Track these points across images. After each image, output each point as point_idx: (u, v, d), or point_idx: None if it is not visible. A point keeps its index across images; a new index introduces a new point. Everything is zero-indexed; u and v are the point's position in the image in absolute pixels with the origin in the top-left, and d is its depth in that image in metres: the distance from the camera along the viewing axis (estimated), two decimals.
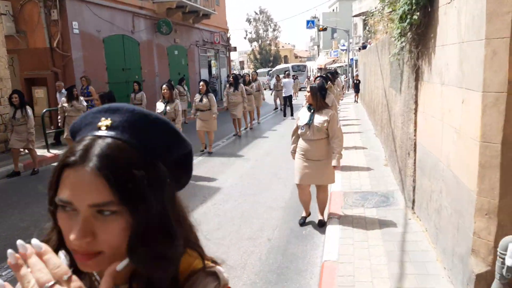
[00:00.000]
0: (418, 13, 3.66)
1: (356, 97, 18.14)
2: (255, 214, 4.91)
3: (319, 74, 11.80)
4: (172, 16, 15.21)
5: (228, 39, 23.70)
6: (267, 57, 52.01)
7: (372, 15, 6.38)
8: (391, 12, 5.49)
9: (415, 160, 4.31)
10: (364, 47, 20.62)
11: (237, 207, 5.17)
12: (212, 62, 20.98)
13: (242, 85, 9.71)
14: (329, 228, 4.16)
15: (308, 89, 4.32)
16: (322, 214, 4.47)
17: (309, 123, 4.12)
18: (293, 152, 4.39)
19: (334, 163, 4.12)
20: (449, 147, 3.09)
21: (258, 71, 43.15)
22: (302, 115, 4.29)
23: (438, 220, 3.35)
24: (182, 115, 7.82)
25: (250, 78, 11.95)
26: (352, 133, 9.58)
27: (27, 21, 10.01)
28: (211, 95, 7.72)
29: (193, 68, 18.28)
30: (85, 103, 7.79)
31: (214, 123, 7.97)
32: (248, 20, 51.99)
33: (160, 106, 6.34)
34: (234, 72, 25.20)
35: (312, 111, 4.19)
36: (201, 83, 7.65)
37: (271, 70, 37.31)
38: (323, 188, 4.40)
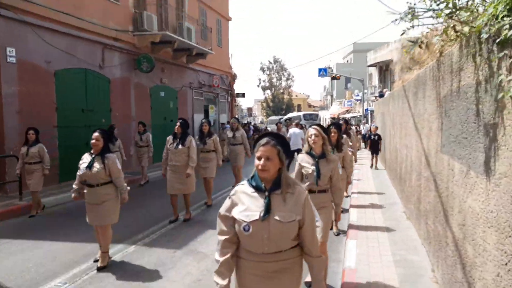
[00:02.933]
0: None
1: (374, 160, 12.16)
2: None
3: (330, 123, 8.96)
4: (158, 53, 13.17)
5: (231, 83, 21.72)
6: (279, 105, 50.73)
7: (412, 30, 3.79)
8: (453, 12, 2.90)
9: None
10: (381, 95, 18.18)
11: None
12: (210, 106, 18.77)
13: (191, 137, 6.15)
14: None
15: None
16: None
17: None
18: None
19: None
20: None
21: (269, 118, 41.76)
22: None
23: None
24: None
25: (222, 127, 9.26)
26: (373, 225, 6.69)
27: None
28: (112, 156, 4.25)
29: (185, 112, 16.00)
30: None
31: (112, 208, 4.34)
32: (262, 69, 51.48)
33: None
34: (236, 117, 22.87)
35: None
36: (95, 134, 4.19)
37: (282, 118, 35.61)
38: None
